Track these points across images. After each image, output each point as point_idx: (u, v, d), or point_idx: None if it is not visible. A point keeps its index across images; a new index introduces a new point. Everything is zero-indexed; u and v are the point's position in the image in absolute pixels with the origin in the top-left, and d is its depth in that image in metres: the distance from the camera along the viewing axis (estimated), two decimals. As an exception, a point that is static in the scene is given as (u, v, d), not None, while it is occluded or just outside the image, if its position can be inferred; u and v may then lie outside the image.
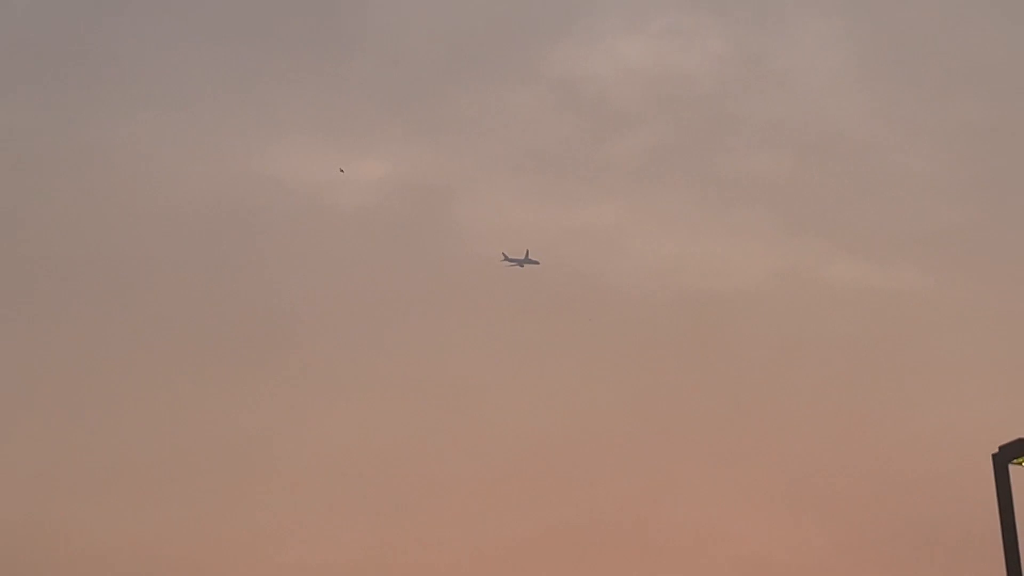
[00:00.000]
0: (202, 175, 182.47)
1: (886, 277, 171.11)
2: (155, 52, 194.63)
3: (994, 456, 44.71)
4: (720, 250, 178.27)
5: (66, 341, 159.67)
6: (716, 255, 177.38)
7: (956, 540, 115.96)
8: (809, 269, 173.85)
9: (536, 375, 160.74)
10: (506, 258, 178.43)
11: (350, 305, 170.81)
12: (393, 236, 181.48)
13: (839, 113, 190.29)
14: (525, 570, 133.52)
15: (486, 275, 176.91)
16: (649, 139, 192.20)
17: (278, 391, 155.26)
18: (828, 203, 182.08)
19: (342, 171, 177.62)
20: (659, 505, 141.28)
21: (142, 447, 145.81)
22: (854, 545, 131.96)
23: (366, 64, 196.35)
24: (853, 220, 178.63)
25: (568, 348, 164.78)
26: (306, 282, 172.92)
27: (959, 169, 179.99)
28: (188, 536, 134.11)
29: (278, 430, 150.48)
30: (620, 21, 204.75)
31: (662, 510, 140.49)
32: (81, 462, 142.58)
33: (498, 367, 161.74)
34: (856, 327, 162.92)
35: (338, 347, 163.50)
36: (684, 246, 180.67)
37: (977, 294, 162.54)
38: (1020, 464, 44.40)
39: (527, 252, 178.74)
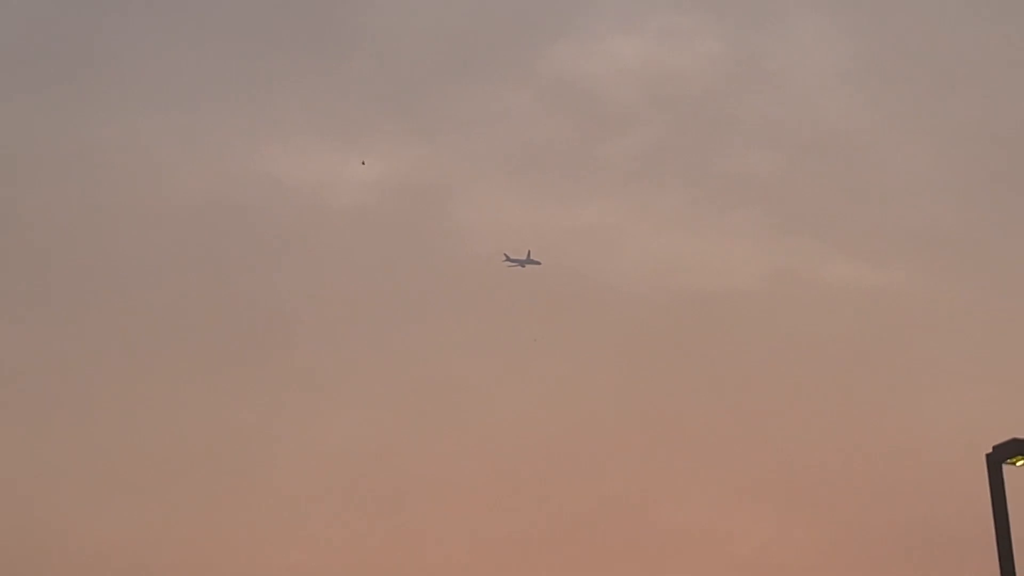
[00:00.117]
0: (198, 174, 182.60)
1: (881, 277, 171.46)
2: (151, 51, 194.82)
3: (988, 456, 44.94)
4: (716, 249, 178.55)
5: (63, 340, 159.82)
6: (712, 254, 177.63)
7: (950, 540, 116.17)
8: (804, 268, 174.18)
9: (531, 374, 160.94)
10: (508, 258, 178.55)
11: (347, 304, 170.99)
12: (389, 235, 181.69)
13: (835, 113, 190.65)
14: (523, 569, 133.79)
15: (483, 274, 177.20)
16: (645, 139, 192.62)
17: (276, 390, 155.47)
18: (823, 203, 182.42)
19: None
20: (654, 504, 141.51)
21: (138, 446, 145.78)
22: (848, 544, 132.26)
23: (364, 64, 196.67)
24: (848, 220, 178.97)
25: (563, 347, 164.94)
26: (303, 281, 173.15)
27: (954, 169, 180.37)
28: (185, 536, 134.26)
29: (276, 429, 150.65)
30: (616, 21, 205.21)
31: (657, 509, 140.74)
32: (77, 461, 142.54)
33: (494, 366, 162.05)
34: (851, 327, 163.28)
35: (335, 346, 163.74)
36: (679, 245, 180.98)
37: (971, 294, 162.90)
38: (1014, 464, 44.60)
39: (529, 252, 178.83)
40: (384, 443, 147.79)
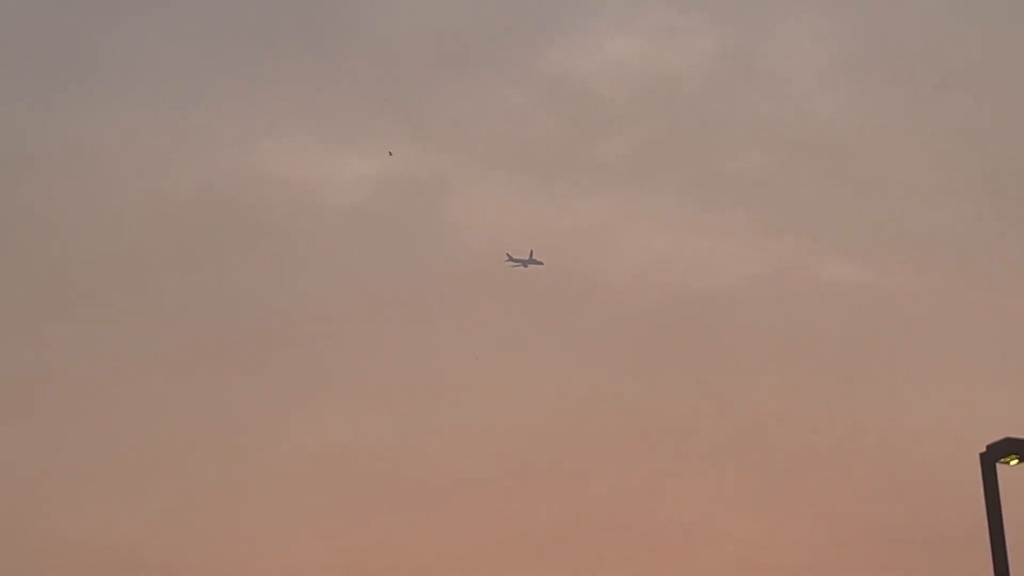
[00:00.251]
0: (194, 172, 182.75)
1: (875, 276, 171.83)
2: (146, 50, 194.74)
3: (982, 455, 44.95)
4: (709, 248, 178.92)
5: (60, 339, 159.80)
6: (705, 253, 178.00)
7: (944, 539, 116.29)
8: (798, 267, 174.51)
9: (525, 372, 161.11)
10: (510, 258, 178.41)
11: (343, 302, 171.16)
12: (385, 234, 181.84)
13: (828, 112, 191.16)
14: (522, 568, 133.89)
15: (479, 272, 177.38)
16: (639, 137, 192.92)
17: (273, 389, 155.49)
18: (818, 202, 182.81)
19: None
20: (649, 503, 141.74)
21: (134, 445, 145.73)
22: (842, 543, 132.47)
23: (360, 62, 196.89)
24: (843, 219, 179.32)
25: (557, 346, 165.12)
26: (300, 279, 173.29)
27: (947, 168, 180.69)
28: (184, 534, 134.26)
29: (273, 428, 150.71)
30: (611, 20, 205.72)
31: (652, 508, 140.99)
32: (74, 460, 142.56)
33: (488, 364, 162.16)
34: (845, 325, 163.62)
35: (332, 345, 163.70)
36: (674, 243, 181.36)
37: (965, 293, 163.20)
38: (1008, 463, 44.72)
39: (531, 252, 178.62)
40: (379, 442, 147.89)
